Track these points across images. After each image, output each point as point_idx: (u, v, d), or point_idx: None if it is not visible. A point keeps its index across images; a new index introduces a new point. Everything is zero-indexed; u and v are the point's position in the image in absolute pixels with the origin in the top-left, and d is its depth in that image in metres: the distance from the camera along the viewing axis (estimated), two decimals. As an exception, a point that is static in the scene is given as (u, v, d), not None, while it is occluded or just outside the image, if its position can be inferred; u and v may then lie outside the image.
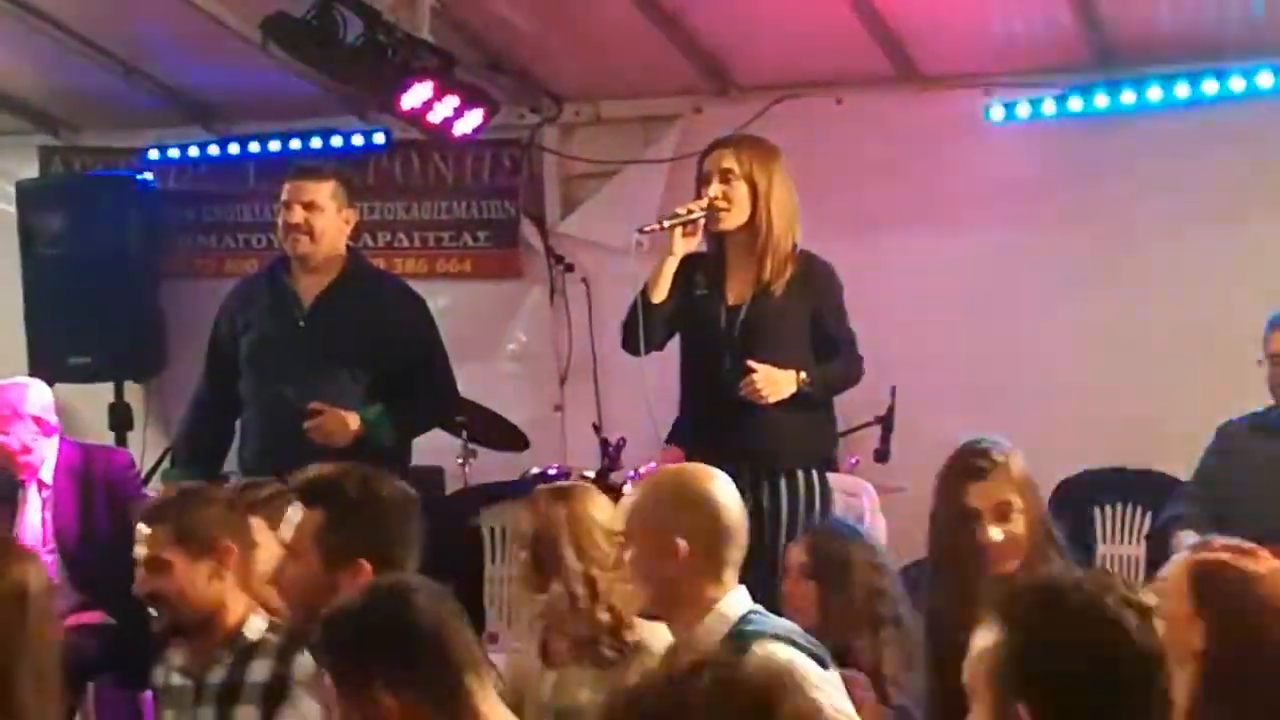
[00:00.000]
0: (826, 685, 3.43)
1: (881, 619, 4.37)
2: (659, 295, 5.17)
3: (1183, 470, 5.70)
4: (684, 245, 5.17)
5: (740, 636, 3.44)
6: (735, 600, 3.55)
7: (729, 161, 5.19)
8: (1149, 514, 6.42)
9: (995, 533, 3.90)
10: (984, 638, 2.32)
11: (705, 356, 5.19)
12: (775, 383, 5.06)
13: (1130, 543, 6.59)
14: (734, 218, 5.18)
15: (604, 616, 4.14)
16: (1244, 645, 2.87)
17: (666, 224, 5.16)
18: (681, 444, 5.30)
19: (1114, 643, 2.27)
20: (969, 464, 4.03)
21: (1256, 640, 2.87)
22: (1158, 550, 5.42)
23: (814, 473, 5.18)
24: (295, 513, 3.58)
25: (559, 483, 4.81)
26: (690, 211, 5.15)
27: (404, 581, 2.93)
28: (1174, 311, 6.58)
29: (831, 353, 5.25)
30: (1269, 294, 5.72)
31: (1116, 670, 2.25)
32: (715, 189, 5.16)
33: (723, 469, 4.99)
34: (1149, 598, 2.34)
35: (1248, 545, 3.11)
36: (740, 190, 5.17)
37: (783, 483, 5.12)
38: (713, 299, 5.21)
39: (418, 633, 2.78)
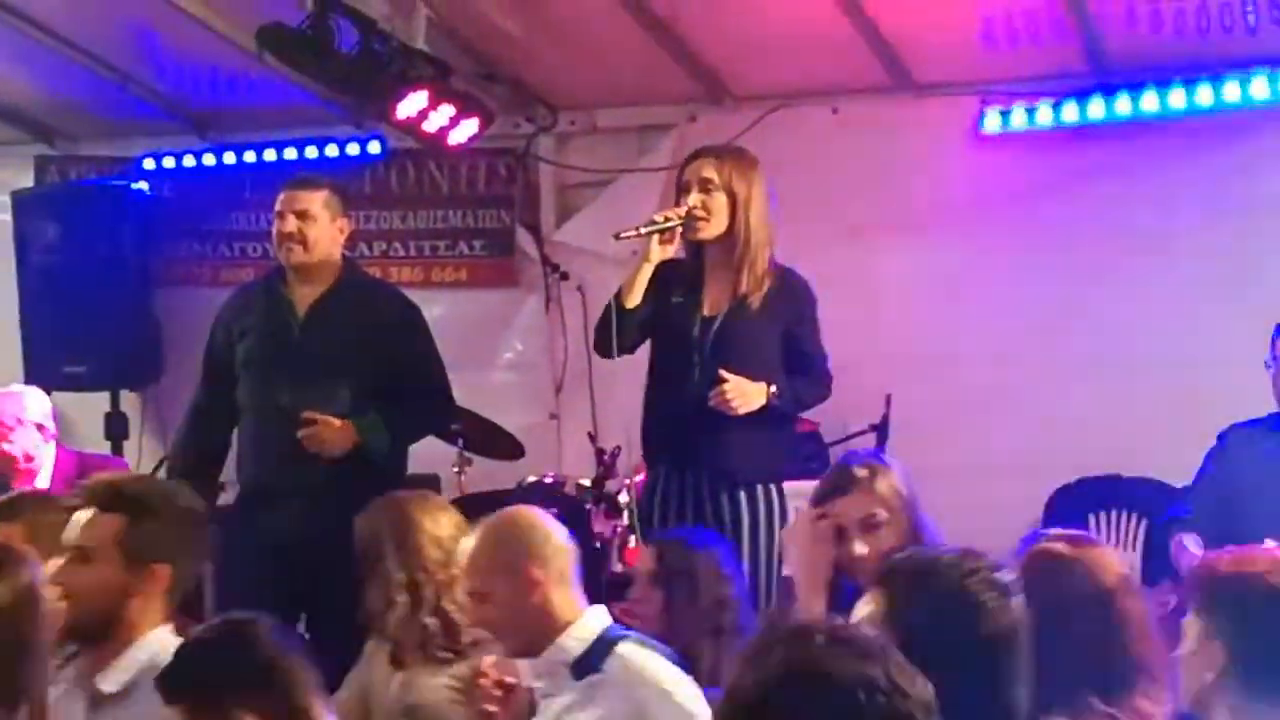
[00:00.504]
0: (688, 687, 3.71)
1: (724, 628, 4.43)
2: (632, 300, 5.18)
3: (1177, 478, 5.69)
4: (660, 252, 5.18)
5: (608, 639, 3.76)
6: (597, 613, 3.84)
7: (709, 171, 5.19)
8: (1144, 522, 6.43)
9: (859, 546, 3.92)
10: (864, 608, 2.53)
11: (676, 364, 5.18)
12: (746, 394, 5.05)
13: (1125, 550, 6.58)
14: (712, 228, 5.18)
15: (430, 621, 4.42)
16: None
17: (644, 231, 5.16)
18: (644, 450, 5.32)
19: (972, 617, 2.48)
20: (835, 479, 4.05)
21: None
22: (1157, 551, 5.43)
23: (772, 487, 5.17)
24: (84, 515, 3.60)
25: (401, 491, 4.94)
26: (669, 219, 5.16)
27: (251, 617, 3.15)
28: (1170, 319, 6.58)
29: (803, 368, 5.24)
30: (1267, 302, 5.71)
31: (975, 641, 2.41)
32: (694, 198, 5.16)
33: (684, 477, 5.03)
34: (1009, 577, 2.53)
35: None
36: (719, 200, 5.17)
37: (742, 495, 5.12)
38: (688, 308, 5.21)
39: (270, 660, 3.03)
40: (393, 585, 4.49)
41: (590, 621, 3.82)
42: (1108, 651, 3.01)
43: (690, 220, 5.15)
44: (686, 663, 4.00)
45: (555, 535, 3.88)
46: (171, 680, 3.03)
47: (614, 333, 5.12)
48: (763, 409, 5.08)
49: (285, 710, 3.00)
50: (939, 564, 2.58)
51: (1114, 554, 3.31)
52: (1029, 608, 2.63)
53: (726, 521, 5.09)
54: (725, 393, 5.02)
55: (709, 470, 5.11)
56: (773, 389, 5.09)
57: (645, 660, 3.75)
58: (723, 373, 5.04)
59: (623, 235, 5.23)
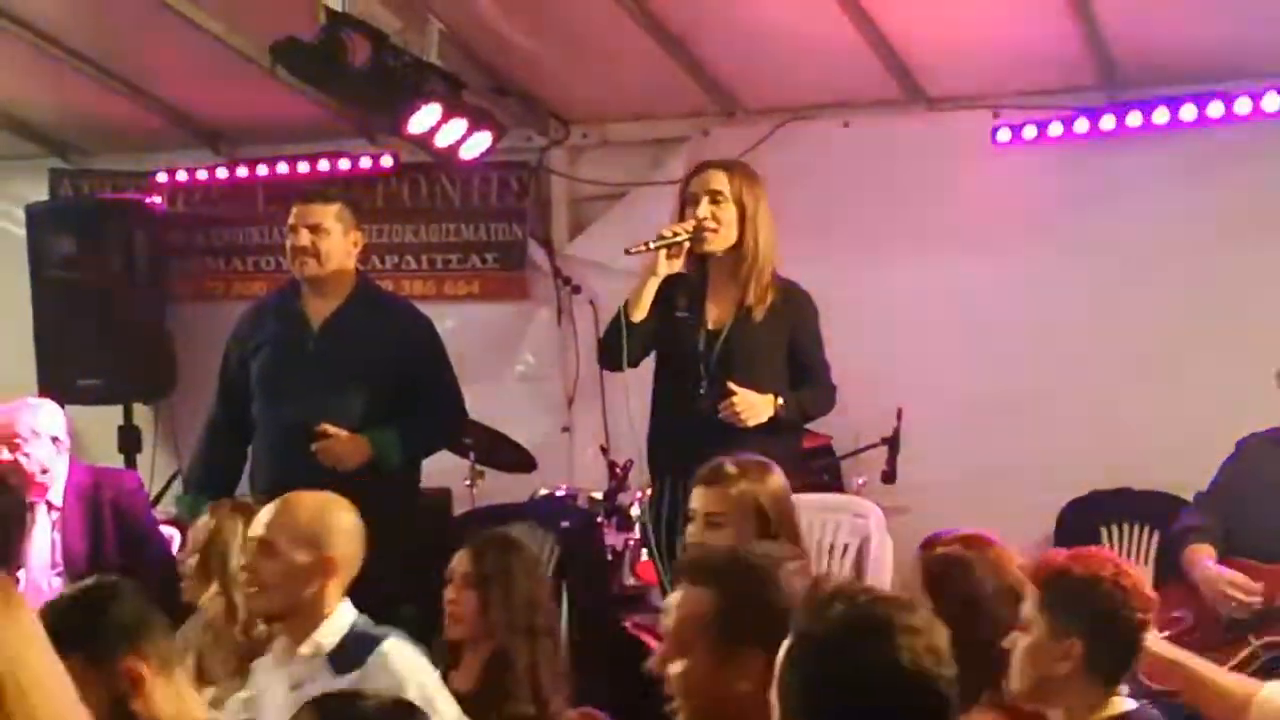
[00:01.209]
0: (444, 689, 3.99)
1: (537, 628, 4.51)
2: (639, 314, 5.19)
3: (1189, 491, 5.69)
4: (668, 266, 5.19)
5: (363, 630, 4.01)
6: (347, 607, 4.06)
7: (719, 183, 5.20)
8: (1156, 534, 6.42)
9: (694, 532, 4.37)
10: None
11: (681, 377, 5.20)
12: (754, 407, 5.06)
13: (1138, 562, 6.57)
14: (721, 239, 5.19)
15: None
16: None
17: (653, 245, 5.17)
18: (650, 463, 5.33)
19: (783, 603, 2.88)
20: (703, 472, 4.49)
21: None
22: (1169, 561, 5.42)
23: None
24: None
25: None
26: (677, 233, 5.16)
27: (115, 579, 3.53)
28: (1182, 332, 6.57)
29: (806, 380, 5.25)
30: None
31: (781, 625, 2.61)
32: (704, 210, 5.17)
33: (689, 489, 5.06)
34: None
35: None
36: (729, 212, 5.18)
37: None
38: (693, 321, 5.22)
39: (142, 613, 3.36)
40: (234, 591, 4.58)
41: (344, 615, 4.02)
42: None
43: (699, 232, 5.15)
44: (503, 662, 4.30)
45: (360, 541, 4.12)
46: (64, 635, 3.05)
47: (623, 347, 5.13)
48: (769, 421, 5.09)
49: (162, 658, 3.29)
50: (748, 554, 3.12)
51: (1011, 552, 3.54)
52: (935, 607, 2.86)
53: None
54: (734, 405, 5.03)
55: None
56: (779, 401, 5.10)
57: (407, 659, 3.94)
58: (731, 385, 5.04)
59: (633, 250, 5.24)
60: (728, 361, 5.14)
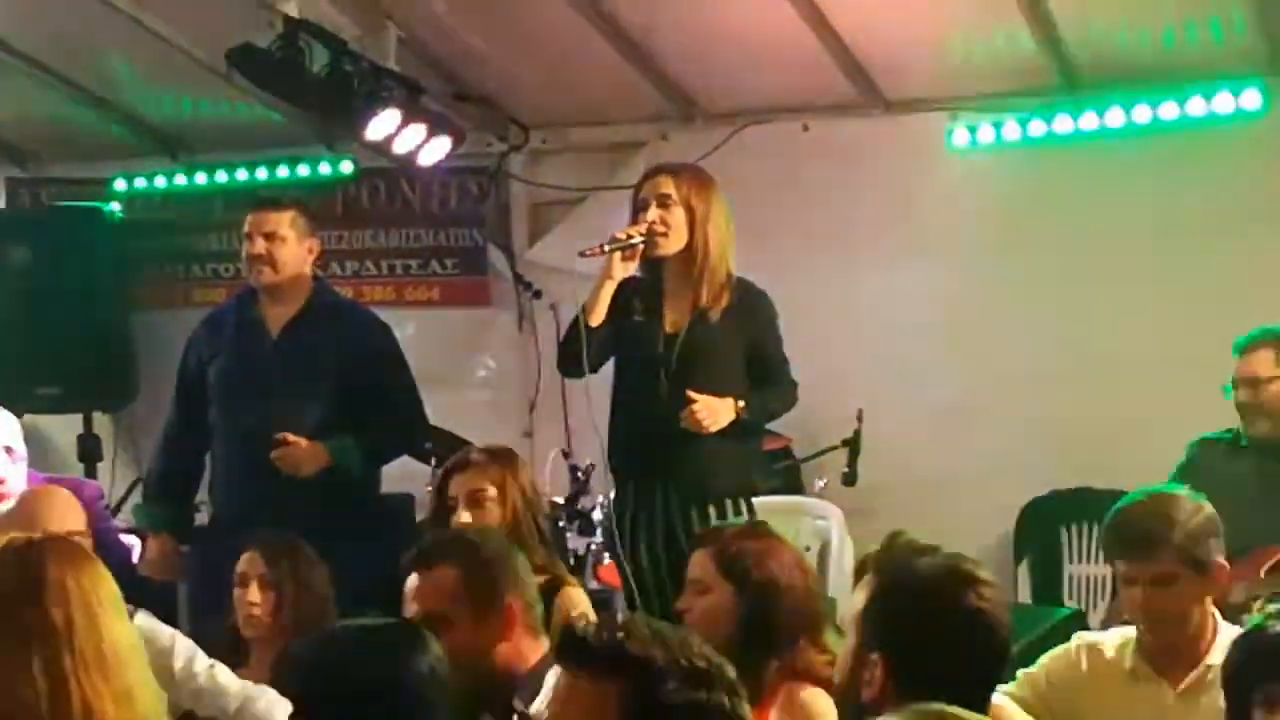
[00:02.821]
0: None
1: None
2: (596, 318, 5.19)
3: (1148, 490, 5.73)
4: (622, 270, 5.19)
5: None
6: None
7: (667, 187, 5.21)
8: (1115, 534, 6.45)
9: (465, 516, 4.62)
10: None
11: (641, 382, 5.19)
12: (715, 412, 5.06)
13: (1098, 563, 6.62)
14: (672, 243, 5.20)
15: None
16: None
17: (608, 248, 5.17)
18: (611, 467, 5.35)
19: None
20: (455, 460, 4.84)
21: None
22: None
23: (742, 502, 5.19)
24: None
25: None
26: (630, 236, 5.17)
27: None
28: (1139, 332, 6.61)
29: (766, 379, 5.26)
30: (1235, 315, 5.76)
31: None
32: (653, 213, 5.19)
33: (653, 494, 5.06)
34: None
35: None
36: (678, 215, 5.19)
37: (712, 510, 5.13)
38: (650, 325, 5.22)
39: None
40: None
41: None
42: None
43: (651, 236, 5.17)
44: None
45: None
46: None
47: (584, 351, 5.13)
48: (733, 423, 5.11)
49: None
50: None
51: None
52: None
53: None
54: (695, 413, 5.03)
55: (678, 486, 5.12)
56: (741, 404, 5.11)
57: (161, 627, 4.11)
58: (690, 394, 5.05)
59: (586, 253, 5.24)
60: (686, 363, 5.15)
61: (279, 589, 4.65)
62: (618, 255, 5.15)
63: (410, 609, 3.59)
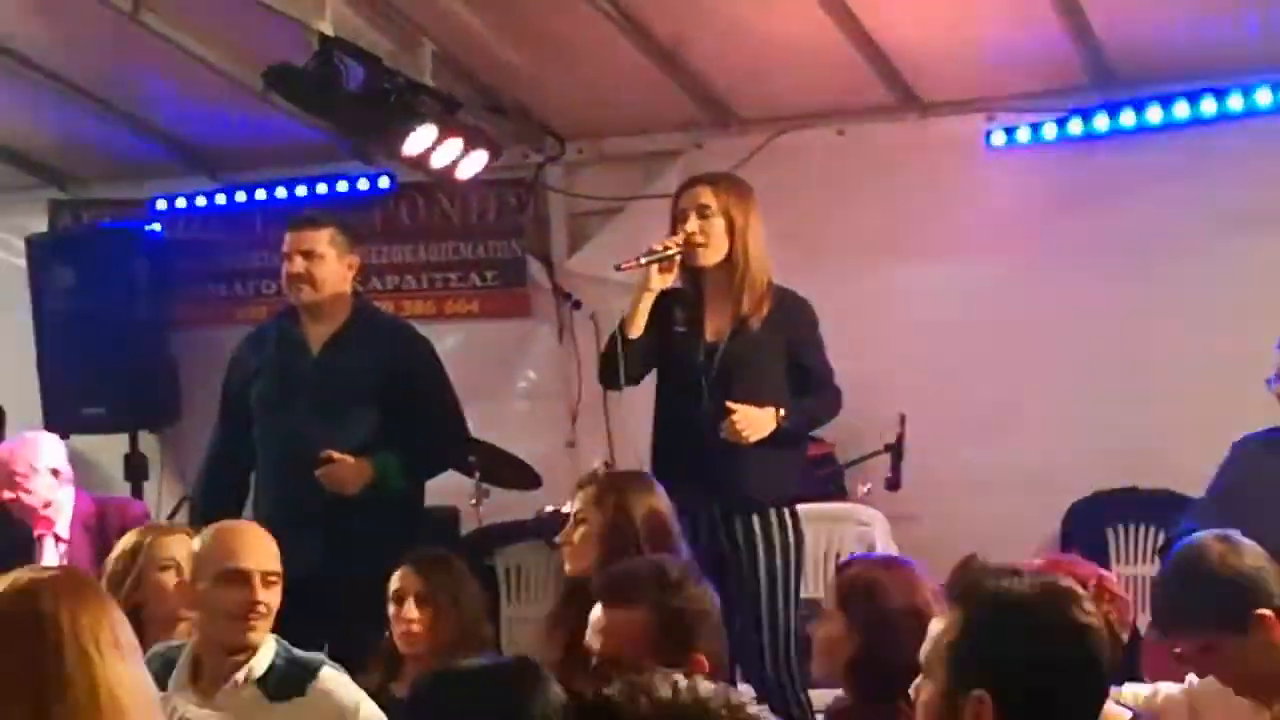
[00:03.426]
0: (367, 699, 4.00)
1: (486, 641, 4.74)
2: (635, 331, 5.20)
3: (1195, 490, 5.68)
4: (660, 281, 5.20)
5: (293, 657, 3.99)
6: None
7: (706, 198, 5.22)
8: (1162, 534, 6.41)
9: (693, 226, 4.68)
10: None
11: (683, 393, 5.20)
12: (755, 422, 5.06)
13: (1144, 563, 6.58)
14: (711, 253, 5.20)
15: None
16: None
17: (644, 260, 5.18)
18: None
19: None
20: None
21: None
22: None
23: (785, 511, 5.18)
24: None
25: None
26: (667, 248, 5.17)
27: None
28: (1182, 332, 6.57)
29: (808, 387, 5.26)
30: (1278, 314, 5.71)
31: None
32: (692, 224, 5.19)
33: (698, 503, 5.05)
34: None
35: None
36: (717, 226, 5.19)
37: (755, 519, 5.13)
38: (690, 336, 5.23)
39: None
40: None
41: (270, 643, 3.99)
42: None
43: (689, 247, 5.17)
44: None
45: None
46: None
47: (620, 365, 5.13)
48: (774, 432, 5.10)
49: None
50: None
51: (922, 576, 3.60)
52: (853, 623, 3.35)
53: (741, 545, 5.11)
54: (735, 424, 5.03)
55: (722, 496, 5.12)
56: (781, 412, 5.10)
57: (348, 685, 4.01)
58: (729, 405, 5.05)
59: (623, 266, 5.25)
60: (727, 373, 5.15)
61: (434, 604, 4.63)
62: (655, 267, 5.16)
63: (594, 641, 3.42)
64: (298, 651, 4.02)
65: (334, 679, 3.96)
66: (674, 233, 5.23)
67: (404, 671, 4.61)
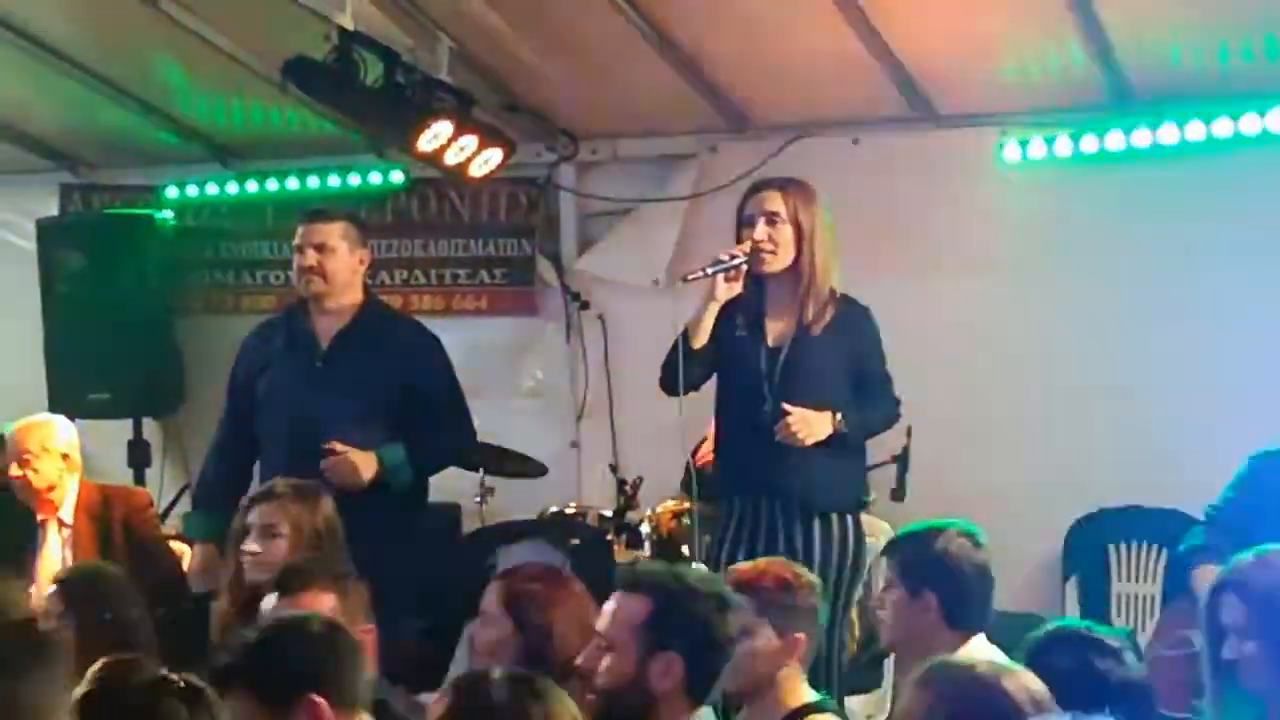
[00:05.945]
0: None
1: (137, 646, 4.49)
2: (699, 341, 5.15)
3: (1199, 509, 5.69)
4: (726, 291, 5.14)
5: None
6: None
7: (775, 204, 5.18)
8: (1164, 552, 6.41)
9: (254, 546, 4.72)
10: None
11: (744, 397, 5.18)
12: (811, 425, 5.05)
13: (1146, 581, 6.59)
14: (779, 260, 5.17)
15: None
16: None
17: (710, 271, 5.12)
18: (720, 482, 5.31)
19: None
20: (261, 490, 4.93)
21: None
22: (1175, 580, 5.42)
23: (847, 517, 5.18)
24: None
25: None
26: (734, 257, 5.13)
27: None
28: (1189, 350, 6.57)
29: (868, 395, 5.24)
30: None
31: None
32: (761, 231, 5.15)
33: (758, 508, 5.02)
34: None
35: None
36: (785, 233, 5.16)
37: (815, 524, 5.12)
38: (752, 340, 5.20)
39: None
40: None
41: None
42: None
43: (756, 254, 5.14)
44: None
45: None
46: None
47: (681, 373, 5.09)
48: (832, 437, 5.08)
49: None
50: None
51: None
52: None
53: (799, 551, 5.07)
54: (790, 425, 5.02)
55: (782, 501, 5.11)
56: (839, 417, 5.08)
57: None
58: (785, 406, 5.03)
59: (689, 277, 5.19)
60: (789, 379, 5.13)
61: (77, 616, 4.45)
62: (721, 277, 5.12)
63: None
64: None
65: None
66: (739, 239, 5.19)
67: None
